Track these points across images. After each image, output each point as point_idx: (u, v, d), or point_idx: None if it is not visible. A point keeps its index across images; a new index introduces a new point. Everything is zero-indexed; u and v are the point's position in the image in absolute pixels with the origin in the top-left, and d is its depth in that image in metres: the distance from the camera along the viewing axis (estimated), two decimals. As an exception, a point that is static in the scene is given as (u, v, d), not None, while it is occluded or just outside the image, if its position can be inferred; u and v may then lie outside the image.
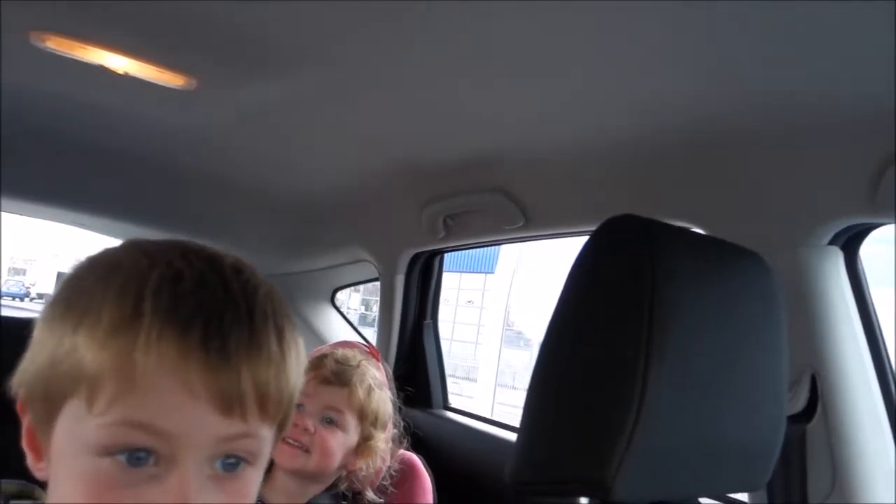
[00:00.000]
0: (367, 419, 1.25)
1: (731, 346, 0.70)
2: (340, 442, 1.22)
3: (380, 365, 1.38)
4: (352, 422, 1.23)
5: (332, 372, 1.24)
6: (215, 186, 1.81)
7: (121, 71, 1.09)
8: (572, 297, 0.71)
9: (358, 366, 1.27)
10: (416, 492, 1.45)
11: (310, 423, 1.20)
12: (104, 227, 2.26)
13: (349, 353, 1.30)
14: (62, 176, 1.75)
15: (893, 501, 0.99)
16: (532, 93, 1.10)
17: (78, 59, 1.09)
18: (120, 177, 1.76)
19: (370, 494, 1.30)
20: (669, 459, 0.67)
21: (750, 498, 1.09)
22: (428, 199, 1.58)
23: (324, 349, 1.56)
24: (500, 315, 8.98)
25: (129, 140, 1.51)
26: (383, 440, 1.29)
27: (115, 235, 2.37)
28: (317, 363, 1.25)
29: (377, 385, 1.29)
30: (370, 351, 1.54)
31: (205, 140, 1.48)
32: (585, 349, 0.69)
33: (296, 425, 1.20)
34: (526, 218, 1.42)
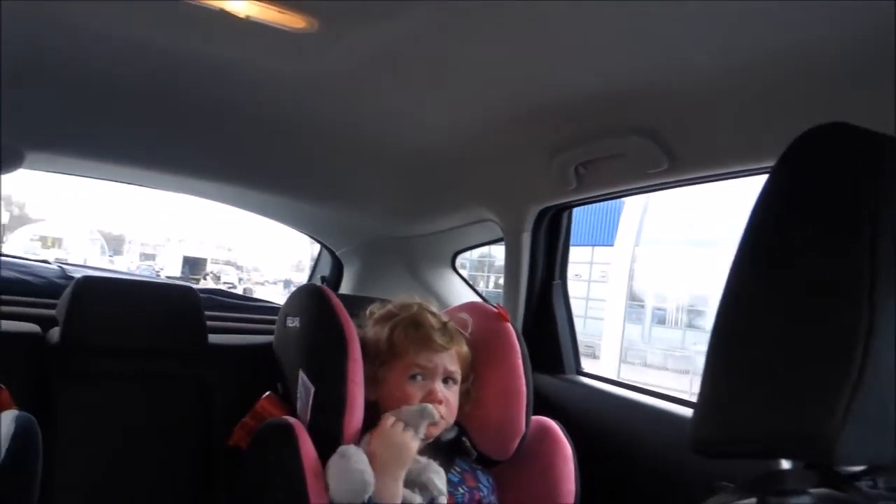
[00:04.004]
0: (468, 365, 1.37)
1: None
2: (456, 394, 1.34)
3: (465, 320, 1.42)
4: (460, 373, 1.35)
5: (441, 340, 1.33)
6: (333, 146, 1.75)
7: (242, 15, 1.05)
8: (765, 228, 0.60)
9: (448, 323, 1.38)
10: (555, 457, 1.37)
11: (439, 392, 1.30)
12: (218, 193, 2.24)
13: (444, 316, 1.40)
14: (176, 140, 1.75)
15: None
16: (672, 16, 0.97)
17: (196, 4, 1.05)
18: (234, 138, 1.72)
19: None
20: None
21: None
22: (557, 146, 1.47)
23: (450, 311, 1.50)
24: (621, 289, 8.72)
25: (245, 96, 1.45)
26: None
27: (231, 202, 2.34)
28: (425, 336, 1.33)
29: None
30: (498, 311, 1.47)
31: (321, 92, 1.41)
32: (788, 285, 0.57)
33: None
34: (671, 160, 1.28)
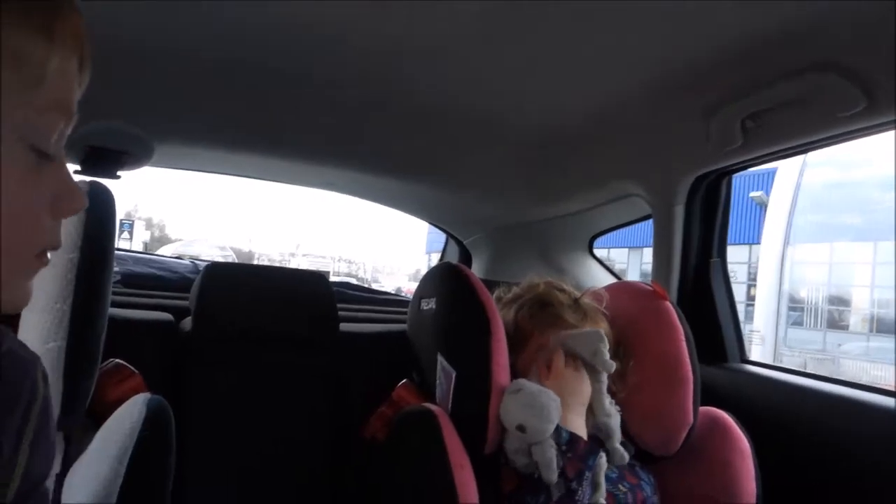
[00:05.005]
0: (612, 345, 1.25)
1: None
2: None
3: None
4: None
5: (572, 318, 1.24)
6: (459, 125, 1.62)
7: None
8: None
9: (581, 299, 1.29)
10: (731, 453, 1.19)
11: None
12: (342, 182, 2.16)
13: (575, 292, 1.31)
14: (299, 124, 1.67)
15: None
16: None
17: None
18: (355, 121, 1.62)
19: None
20: None
21: None
22: (719, 99, 1.27)
23: (599, 290, 1.36)
24: (771, 289, 8.09)
25: (364, 71, 1.34)
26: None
27: (355, 192, 2.27)
28: (553, 315, 1.25)
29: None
30: (654, 288, 1.32)
31: (444, 62, 1.28)
32: None
33: None
34: (869, 98, 1.07)
